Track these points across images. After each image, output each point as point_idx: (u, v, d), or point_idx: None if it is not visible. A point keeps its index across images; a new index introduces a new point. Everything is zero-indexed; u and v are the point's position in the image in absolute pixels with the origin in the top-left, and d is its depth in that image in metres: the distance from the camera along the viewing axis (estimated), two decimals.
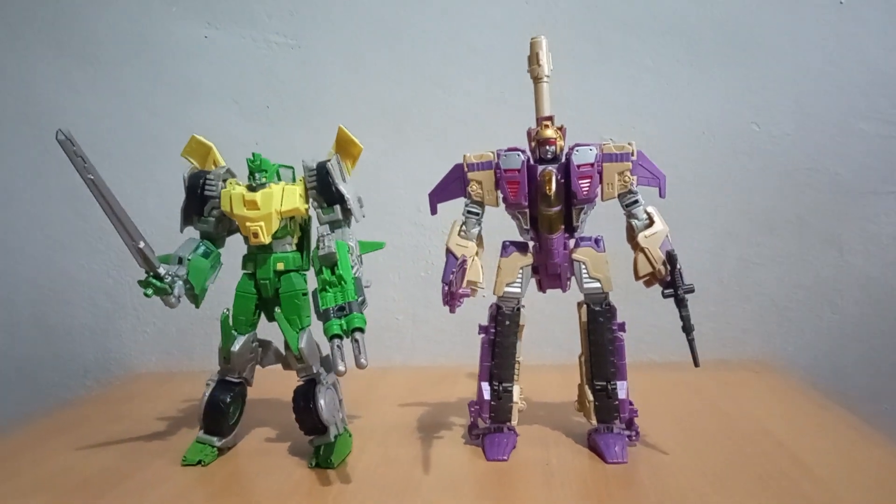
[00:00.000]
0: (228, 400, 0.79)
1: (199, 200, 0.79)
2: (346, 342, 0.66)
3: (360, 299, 0.69)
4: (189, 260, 0.78)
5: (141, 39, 1.23)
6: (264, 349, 0.83)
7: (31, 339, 1.29)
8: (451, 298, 0.69)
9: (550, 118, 0.78)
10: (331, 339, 0.66)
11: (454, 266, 0.74)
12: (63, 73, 1.25)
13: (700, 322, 1.16)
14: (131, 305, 1.28)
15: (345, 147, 0.80)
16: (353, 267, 0.74)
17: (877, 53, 1.10)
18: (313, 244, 0.79)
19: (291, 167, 0.82)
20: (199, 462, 0.77)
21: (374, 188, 1.19)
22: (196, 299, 0.79)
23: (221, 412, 0.79)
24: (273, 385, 0.87)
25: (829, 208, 1.13)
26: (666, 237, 0.74)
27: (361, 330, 0.66)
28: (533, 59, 0.79)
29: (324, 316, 0.68)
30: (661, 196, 0.77)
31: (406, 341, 1.23)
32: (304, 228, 0.82)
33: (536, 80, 0.79)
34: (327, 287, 0.69)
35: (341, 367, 0.63)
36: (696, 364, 0.71)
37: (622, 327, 0.77)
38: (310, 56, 1.21)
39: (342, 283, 0.69)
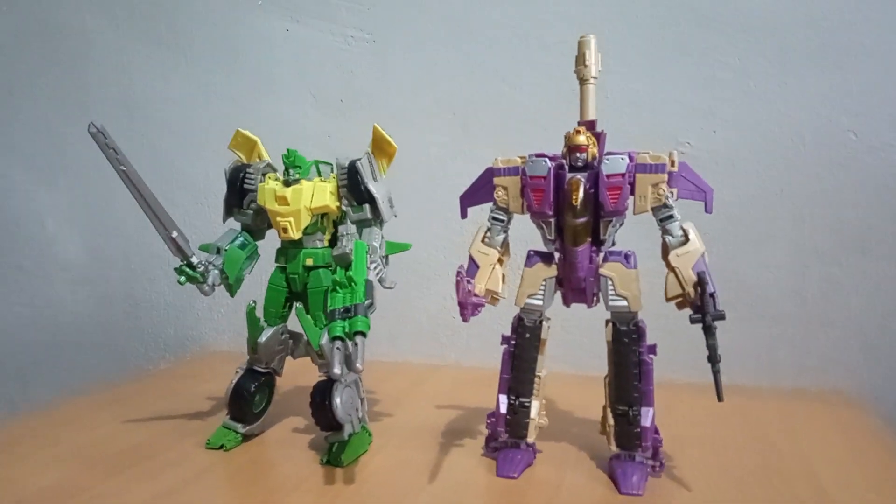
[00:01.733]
0: (253, 389, 0.81)
1: (238, 193, 0.82)
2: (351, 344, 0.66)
3: (367, 302, 0.68)
4: (226, 250, 0.80)
5: (227, 31, 1.28)
6: (295, 341, 0.85)
7: (121, 313, 1.38)
8: (462, 308, 0.67)
9: (591, 123, 0.73)
10: (332, 340, 0.66)
11: (473, 273, 0.73)
12: (157, 63, 1.32)
13: (776, 347, 1.08)
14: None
15: (380, 146, 0.79)
16: (372, 268, 0.74)
17: None
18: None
19: (331, 163, 0.82)
20: (222, 447, 0.80)
21: (437, 183, 1.18)
22: (230, 288, 0.81)
23: (245, 400, 0.81)
24: (310, 376, 0.88)
25: None
26: (701, 257, 0.68)
27: (363, 334, 0.65)
28: (580, 60, 0.75)
29: (330, 316, 0.67)
30: (707, 211, 0.71)
31: (461, 340, 1.21)
32: (338, 226, 0.83)
33: (582, 81, 0.75)
34: (337, 288, 0.69)
35: (337, 370, 0.63)
36: (720, 398, 0.65)
37: (652, 350, 0.72)
38: (383, 50, 1.21)
39: (352, 284, 0.69)
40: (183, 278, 0.77)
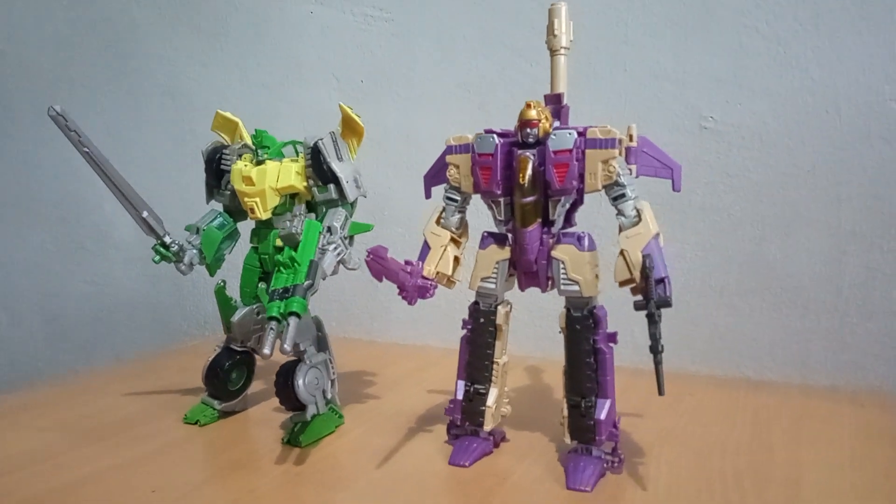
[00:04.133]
0: (227, 366, 0.82)
1: (216, 174, 0.83)
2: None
3: (307, 283, 0.67)
4: (203, 230, 0.82)
5: (257, 16, 1.31)
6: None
7: (167, 291, 1.45)
8: (401, 290, 0.65)
9: (558, 97, 0.70)
10: (268, 320, 0.65)
11: (426, 254, 0.70)
12: (196, 51, 1.37)
13: (809, 340, 0.99)
14: None
15: (349, 125, 0.78)
16: (331, 249, 0.73)
17: None
18: (325, 221, 0.78)
19: (298, 142, 0.82)
20: (197, 422, 0.82)
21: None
22: (209, 267, 0.83)
23: (219, 377, 0.82)
24: None
25: None
26: (653, 239, 0.62)
27: (297, 315, 0.65)
28: (549, 29, 0.71)
29: (270, 297, 0.67)
30: (675, 189, 0.66)
31: (363, 318, 1.20)
32: (311, 206, 0.82)
33: (553, 51, 0.71)
34: (281, 269, 0.69)
35: (267, 351, 0.63)
36: (661, 392, 0.59)
37: (611, 338, 0.67)
38: (401, 29, 1.20)
39: (295, 265, 0.68)
40: (157, 257, 0.80)
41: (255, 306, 0.83)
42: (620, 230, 0.64)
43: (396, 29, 1.20)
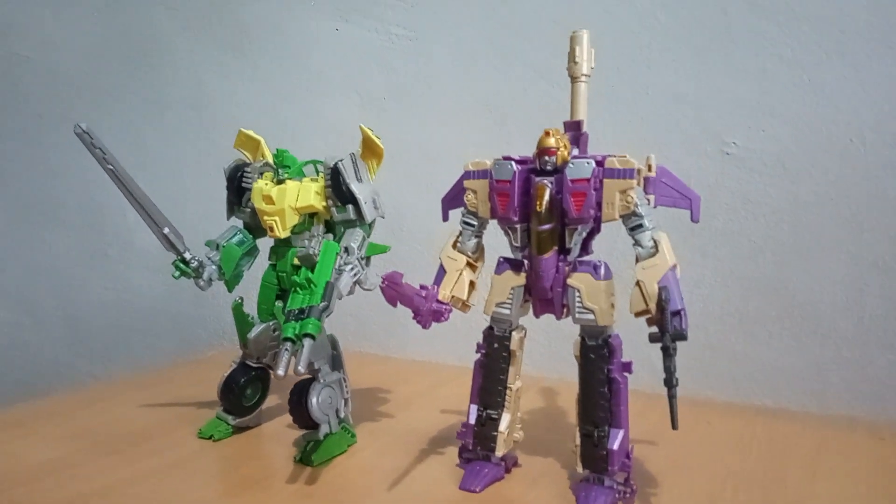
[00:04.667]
0: (243, 382, 0.83)
1: (237, 191, 0.84)
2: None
3: (322, 305, 0.68)
4: (223, 246, 0.83)
5: (280, 31, 1.32)
6: None
7: (188, 301, 1.46)
8: (416, 315, 0.66)
9: (577, 124, 0.70)
10: (283, 341, 0.66)
11: (441, 278, 0.71)
12: (221, 65, 1.38)
13: (829, 370, 0.97)
14: None
15: (368, 147, 0.79)
16: (347, 269, 0.73)
17: None
18: (343, 242, 0.78)
19: (318, 161, 0.83)
20: (211, 437, 0.82)
21: None
22: (228, 284, 0.84)
23: (234, 393, 0.83)
24: None
25: None
26: (670, 271, 0.62)
27: (312, 337, 0.65)
28: (571, 56, 0.71)
29: (286, 317, 0.68)
30: (693, 220, 0.65)
31: (377, 334, 1.20)
32: (331, 225, 0.83)
33: (573, 79, 0.72)
34: (297, 289, 0.69)
35: (280, 371, 0.63)
36: (675, 426, 0.59)
37: (627, 368, 0.66)
38: (424, 48, 1.20)
39: (311, 285, 0.69)
40: (177, 273, 0.81)
41: (271, 323, 0.83)
42: (637, 260, 0.64)
43: (420, 48, 1.21)
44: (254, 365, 0.85)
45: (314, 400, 0.76)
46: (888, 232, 0.93)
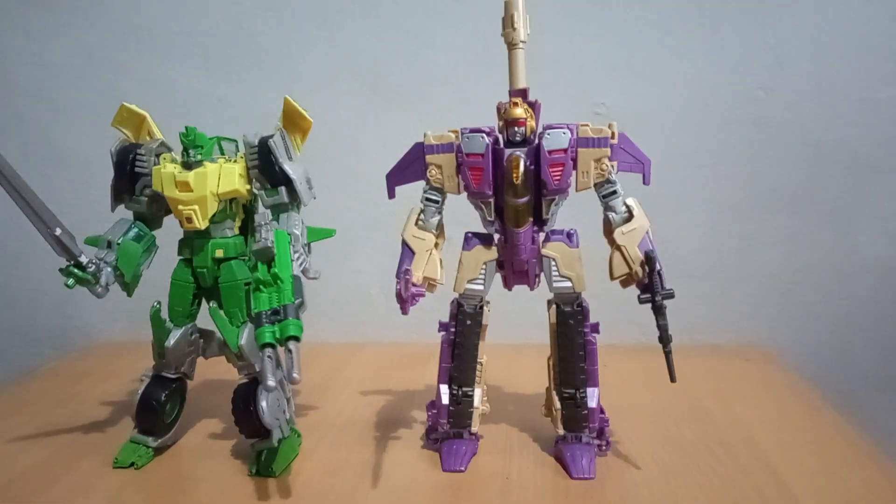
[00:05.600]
0: (163, 398, 0.73)
1: (129, 178, 0.71)
2: (280, 351, 0.59)
3: (297, 301, 0.61)
4: (118, 244, 0.70)
5: None
6: (206, 340, 0.76)
7: None
8: (402, 301, 0.62)
9: (523, 92, 0.68)
10: (262, 347, 0.59)
11: (409, 260, 0.67)
12: (18, 19, 1.14)
13: (694, 305, 1.10)
14: None
15: (292, 120, 0.71)
16: (294, 258, 0.66)
17: None
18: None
19: (235, 140, 0.74)
20: (132, 464, 0.71)
21: (348, 152, 1.11)
22: (128, 287, 0.72)
23: (155, 411, 0.72)
24: (221, 372, 0.79)
25: (842, 184, 1.04)
26: (646, 234, 0.65)
27: (297, 339, 0.58)
28: (507, 22, 0.69)
29: (256, 320, 0.60)
30: (645, 183, 0.68)
31: (379, 316, 1.16)
32: (249, 210, 0.74)
33: (511, 45, 0.70)
34: (261, 287, 0.62)
35: (271, 382, 0.56)
36: (673, 380, 0.63)
37: (595, 328, 0.69)
38: (279, 4, 1.10)
39: (278, 282, 0.62)
40: (71, 280, 0.67)
41: (188, 327, 0.73)
42: (611, 225, 0.66)
43: (273, 4, 1.10)
44: (171, 376, 0.74)
45: (263, 404, 0.68)
46: (740, 180, 1.05)
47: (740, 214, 1.06)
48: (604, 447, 0.71)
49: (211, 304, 0.71)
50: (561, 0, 1.04)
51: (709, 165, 1.05)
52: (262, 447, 0.70)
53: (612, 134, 0.66)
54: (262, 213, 0.70)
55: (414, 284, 0.64)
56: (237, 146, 0.73)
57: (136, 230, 0.72)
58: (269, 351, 0.58)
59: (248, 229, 0.74)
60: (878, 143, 1.01)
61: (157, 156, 0.71)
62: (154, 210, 0.73)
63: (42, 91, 1.16)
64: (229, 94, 1.13)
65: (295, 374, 0.56)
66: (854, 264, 1.05)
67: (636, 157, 0.67)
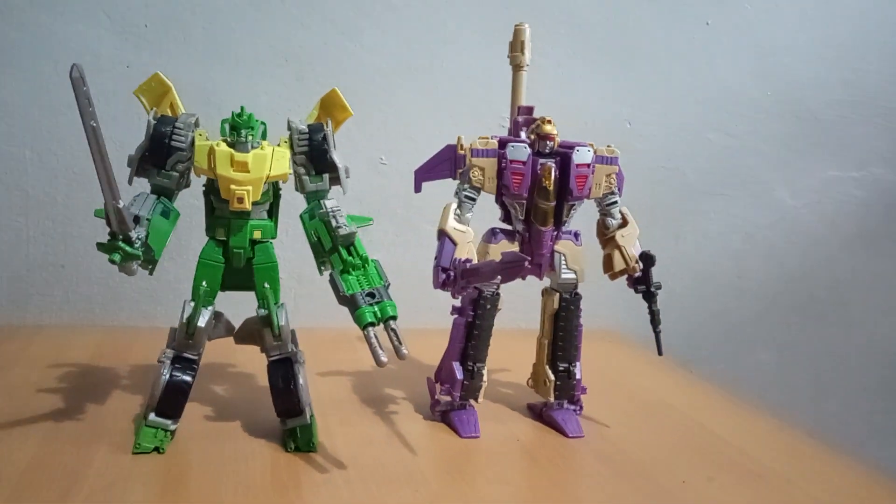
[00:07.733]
0: (191, 380, 0.71)
1: (165, 151, 0.68)
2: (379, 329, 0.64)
3: (386, 284, 0.66)
4: (149, 220, 0.67)
5: None
6: (217, 321, 0.75)
7: None
8: (454, 287, 0.70)
9: (529, 109, 0.82)
10: (364, 327, 0.63)
11: (451, 251, 0.74)
12: None
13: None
14: None
15: (332, 112, 0.75)
16: None
17: (727, 73, 1.29)
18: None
19: (264, 123, 0.74)
20: (156, 449, 0.68)
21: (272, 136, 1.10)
22: (153, 266, 0.69)
23: (185, 394, 0.70)
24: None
25: (674, 204, 1.32)
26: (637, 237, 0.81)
27: (395, 318, 0.64)
28: (517, 46, 0.81)
29: (351, 302, 0.64)
30: (618, 194, 0.84)
31: (288, 301, 1.16)
32: (277, 194, 0.75)
33: (517, 67, 0.82)
34: (350, 269, 0.65)
35: (384, 359, 0.61)
36: (660, 353, 0.81)
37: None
38: None
39: (365, 266, 0.66)
40: (117, 256, 0.62)
41: (212, 307, 0.72)
42: (607, 229, 0.81)
43: None
44: (193, 356, 0.72)
45: (302, 382, 0.72)
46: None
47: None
48: (578, 411, 0.85)
49: (266, 287, 0.71)
50: (478, 23, 1.17)
51: None
52: (295, 424, 0.72)
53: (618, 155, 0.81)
54: (334, 200, 0.72)
55: None
56: (265, 130, 0.73)
57: (161, 206, 0.69)
58: (372, 330, 0.63)
59: (273, 213, 0.75)
60: (704, 173, 1.31)
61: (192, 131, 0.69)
62: (180, 185, 0.71)
63: None
64: (138, 61, 1.05)
65: (404, 351, 0.63)
66: (676, 268, 1.34)
67: (621, 174, 0.83)
